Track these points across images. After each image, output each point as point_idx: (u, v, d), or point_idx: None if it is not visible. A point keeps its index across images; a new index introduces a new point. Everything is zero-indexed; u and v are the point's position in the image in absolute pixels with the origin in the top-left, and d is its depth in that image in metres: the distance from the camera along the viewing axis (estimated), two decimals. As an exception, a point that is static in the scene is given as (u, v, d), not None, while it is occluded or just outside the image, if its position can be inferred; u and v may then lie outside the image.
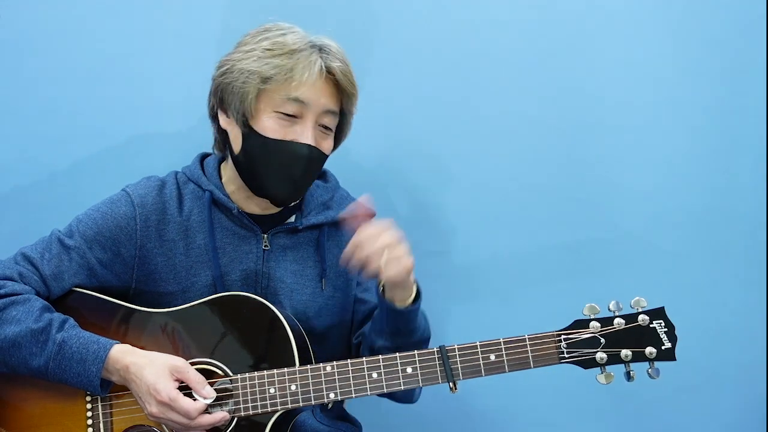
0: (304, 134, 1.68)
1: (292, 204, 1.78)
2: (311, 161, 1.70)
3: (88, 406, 1.65)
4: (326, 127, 1.73)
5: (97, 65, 2.12)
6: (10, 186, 2.11)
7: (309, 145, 1.68)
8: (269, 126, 1.68)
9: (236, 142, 1.73)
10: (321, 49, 1.69)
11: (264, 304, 1.64)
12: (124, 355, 1.58)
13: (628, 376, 1.55)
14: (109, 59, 2.12)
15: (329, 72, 1.68)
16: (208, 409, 1.57)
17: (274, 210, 1.79)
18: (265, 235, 1.77)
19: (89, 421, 1.64)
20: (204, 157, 1.86)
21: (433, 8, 2.17)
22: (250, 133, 1.69)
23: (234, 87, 1.68)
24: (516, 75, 2.18)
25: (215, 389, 1.59)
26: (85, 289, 1.71)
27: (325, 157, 1.75)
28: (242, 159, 1.72)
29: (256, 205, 1.78)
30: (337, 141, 1.81)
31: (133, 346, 1.62)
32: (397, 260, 1.58)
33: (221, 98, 1.73)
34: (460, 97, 2.18)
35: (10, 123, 2.11)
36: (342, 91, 1.72)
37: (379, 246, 1.57)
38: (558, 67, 2.17)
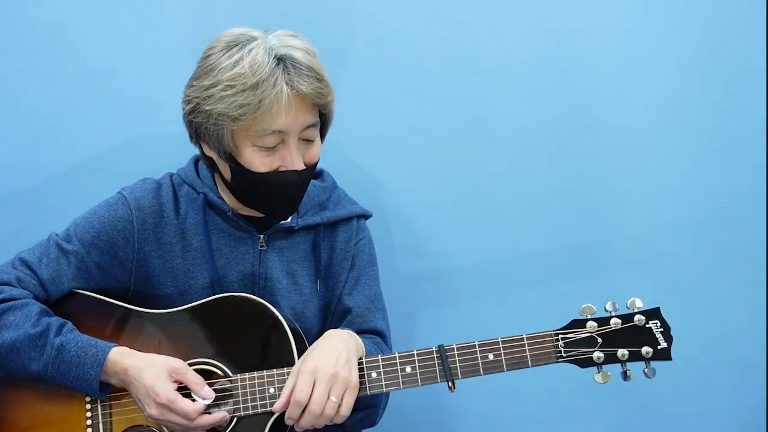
0: (291, 160, 1.64)
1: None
2: (303, 181, 1.69)
3: (87, 407, 1.65)
4: (309, 139, 1.69)
5: (93, 66, 2.11)
6: (6, 188, 2.10)
7: (298, 171, 1.65)
8: (254, 160, 1.63)
9: (225, 172, 1.71)
10: (285, 67, 1.59)
11: (263, 304, 1.65)
12: (122, 357, 1.59)
13: (625, 376, 1.55)
14: (107, 60, 2.11)
15: (298, 93, 1.60)
16: (207, 410, 1.58)
17: None
18: (261, 236, 1.77)
19: (88, 422, 1.64)
20: (198, 158, 1.84)
21: (432, 7, 2.16)
22: (236, 168, 1.66)
23: (207, 128, 1.63)
24: (515, 75, 2.17)
25: (214, 390, 1.60)
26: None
27: (314, 167, 1.72)
28: (234, 186, 1.71)
29: (250, 209, 1.78)
30: (322, 135, 1.77)
31: (132, 347, 1.63)
32: (348, 389, 1.55)
33: (197, 133, 1.68)
34: (460, 97, 2.17)
35: (7, 124, 2.11)
36: (316, 103, 1.65)
37: (319, 401, 1.52)
38: (557, 67, 2.16)
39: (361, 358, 1.60)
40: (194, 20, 2.12)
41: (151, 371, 1.56)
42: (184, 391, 1.58)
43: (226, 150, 1.64)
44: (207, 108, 1.60)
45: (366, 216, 1.90)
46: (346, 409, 1.54)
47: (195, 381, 1.58)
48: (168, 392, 1.54)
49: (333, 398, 1.52)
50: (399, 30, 2.16)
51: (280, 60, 1.60)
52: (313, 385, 1.52)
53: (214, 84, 1.59)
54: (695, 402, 2.19)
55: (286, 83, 1.58)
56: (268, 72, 1.57)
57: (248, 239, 1.77)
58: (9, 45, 2.10)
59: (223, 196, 1.78)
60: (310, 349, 1.60)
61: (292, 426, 1.57)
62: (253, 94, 1.56)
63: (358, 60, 2.15)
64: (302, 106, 1.62)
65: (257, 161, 1.63)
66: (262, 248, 1.77)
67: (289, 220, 1.80)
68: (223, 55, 1.61)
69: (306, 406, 1.52)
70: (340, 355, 1.56)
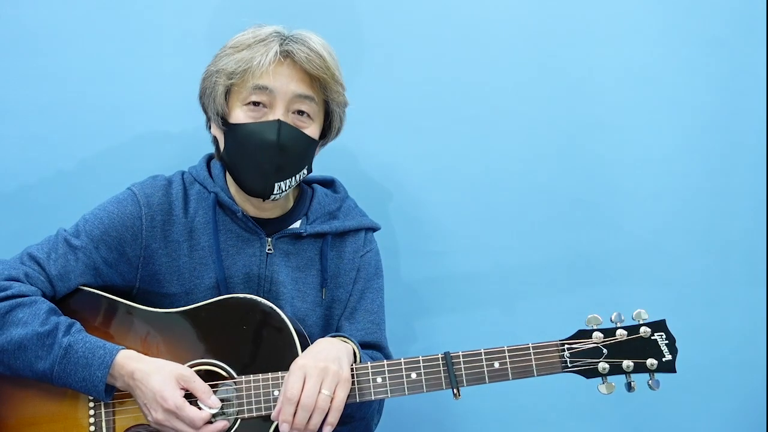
0: (275, 115, 1.68)
1: (278, 192, 1.72)
2: (284, 139, 1.68)
3: (90, 404, 1.65)
4: (302, 113, 1.71)
5: (103, 64, 2.11)
6: (14, 185, 2.10)
7: (279, 120, 1.67)
8: (241, 117, 1.69)
9: (222, 143, 1.75)
10: (287, 38, 1.69)
11: (269, 305, 1.65)
12: (129, 361, 1.59)
13: (629, 387, 1.57)
14: (115, 58, 2.11)
15: (289, 56, 1.68)
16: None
17: (278, 213, 1.80)
18: (269, 239, 1.77)
19: (91, 420, 1.64)
20: (211, 158, 1.86)
21: (435, 8, 2.16)
22: (227, 130, 1.72)
23: (207, 90, 1.73)
24: (519, 78, 2.17)
25: (217, 392, 1.60)
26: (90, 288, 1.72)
27: (304, 137, 1.72)
28: (226, 156, 1.75)
29: (258, 209, 1.78)
30: (328, 132, 1.80)
31: (136, 345, 1.64)
32: (339, 383, 1.55)
33: (204, 105, 1.76)
34: (464, 102, 2.17)
35: (16, 122, 2.10)
36: (313, 77, 1.70)
37: (310, 395, 1.52)
38: (559, 69, 2.17)
39: (353, 364, 1.61)
40: (206, 20, 2.12)
41: (159, 376, 1.56)
42: (190, 399, 1.57)
43: (220, 111, 1.70)
44: (211, 70, 1.73)
45: (374, 229, 1.90)
46: (339, 402, 1.53)
47: (202, 389, 1.58)
48: (176, 398, 1.54)
49: (325, 391, 1.52)
50: (405, 33, 2.17)
51: (285, 36, 1.70)
52: (304, 381, 1.52)
53: (223, 51, 1.73)
54: (695, 402, 2.20)
55: (279, 44, 1.68)
56: (266, 36, 1.69)
57: (256, 241, 1.76)
58: (10, 44, 2.09)
59: (234, 195, 1.78)
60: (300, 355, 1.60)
61: None
62: (249, 51, 1.68)
63: (366, 65, 2.15)
64: (295, 75, 1.69)
65: (242, 117, 1.69)
66: (270, 252, 1.77)
67: (297, 225, 1.80)
68: (231, 39, 1.74)
69: (298, 403, 1.52)
70: (330, 352, 1.57)
